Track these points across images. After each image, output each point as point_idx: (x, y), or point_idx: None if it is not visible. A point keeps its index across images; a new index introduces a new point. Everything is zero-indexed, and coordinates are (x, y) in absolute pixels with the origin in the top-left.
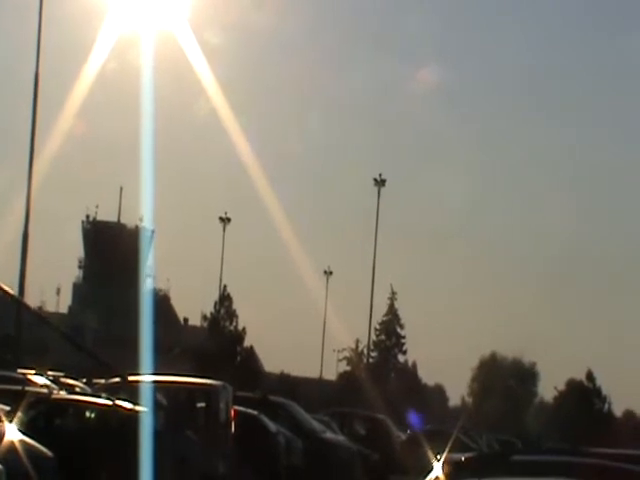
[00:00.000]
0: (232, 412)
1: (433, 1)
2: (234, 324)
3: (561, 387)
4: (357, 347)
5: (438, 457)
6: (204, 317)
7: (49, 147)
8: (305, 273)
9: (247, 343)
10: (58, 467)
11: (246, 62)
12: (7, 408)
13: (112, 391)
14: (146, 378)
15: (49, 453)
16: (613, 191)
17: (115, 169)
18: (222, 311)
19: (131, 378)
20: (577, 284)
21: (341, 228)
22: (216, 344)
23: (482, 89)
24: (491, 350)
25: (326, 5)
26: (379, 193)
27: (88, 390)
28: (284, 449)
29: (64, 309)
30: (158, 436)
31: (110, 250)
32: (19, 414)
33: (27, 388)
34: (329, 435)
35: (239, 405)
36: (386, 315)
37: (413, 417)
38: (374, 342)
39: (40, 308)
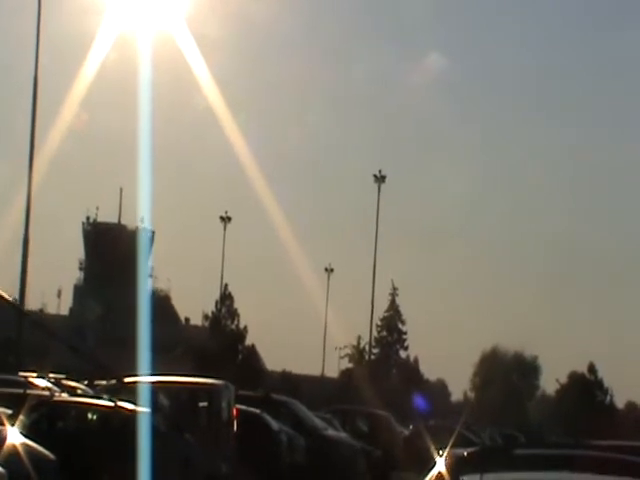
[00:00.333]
0: (234, 411)
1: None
2: (235, 323)
3: (563, 380)
4: (359, 344)
5: (441, 452)
6: (205, 316)
7: (49, 147)
8: (306, 271)
9: (249, 342)
10: (60, 469)
11: (244, 58)
12: (9, 411)
13: (113, 392)
14: (147, 379)
15: (51, 455)
16: (612, 188)
17: (115, 170)
18: (223, 310)
19: (129, 379)
20: (577, 278)
21: (341, 225)
22: (217, 343)
23: (484, 83)
24: (493, 344)
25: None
26: (379, 189)
27: (90, 392)
28: (286, 447)
29: (65, 311)
30: (160, 436)
31: (111, 251)
32: (21, 417)
33: (29, 391)
34: (331, 432)
35: (241, 404)
36: (387, 311)
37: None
38: (376, 338)
39: (41, 310)
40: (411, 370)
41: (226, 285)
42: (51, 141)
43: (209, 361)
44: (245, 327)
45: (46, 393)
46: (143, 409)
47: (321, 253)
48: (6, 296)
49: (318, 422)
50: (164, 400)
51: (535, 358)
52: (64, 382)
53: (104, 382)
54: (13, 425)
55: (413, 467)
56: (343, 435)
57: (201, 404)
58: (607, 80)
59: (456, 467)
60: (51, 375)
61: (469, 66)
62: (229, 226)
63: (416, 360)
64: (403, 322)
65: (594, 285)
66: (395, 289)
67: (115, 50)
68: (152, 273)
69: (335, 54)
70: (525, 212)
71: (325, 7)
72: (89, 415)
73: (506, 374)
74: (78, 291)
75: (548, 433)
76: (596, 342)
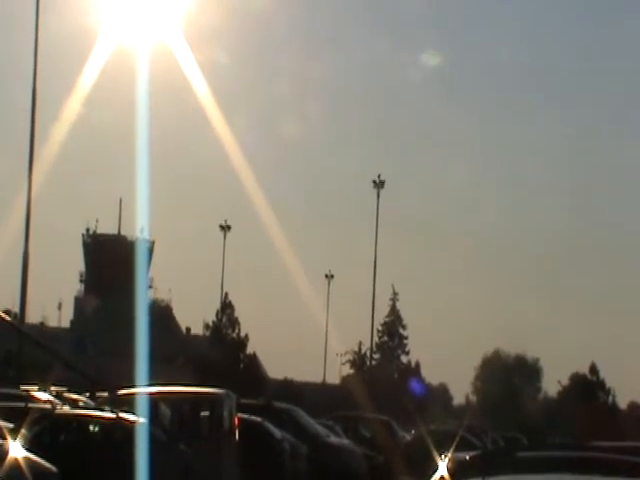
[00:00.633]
0: (236, 420)
1: None
2: (236, 331)
3: (565, 382)
4: (360, 349)
5: (443, 456)
6: (206, 326)
7: (47, 160)
8: (306, 278)
9: (250, 350)
10: None
11: (240, 63)
12: (11, 425)
13: (115, 404)
14: (149, 389)
15: (53, 469)
16: (614, 185)
17: (114, 181)
18: (224, 319)
19: (130, 390)
20: (578, 278)
21: (341, 231)
22: (219, 352)
23: (483, 80)
24: (494, 347)
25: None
26: (378, 195)
27: (91, 404)
28: (289, 455)
29: (66, 324)
30: (162, 447)
31: (110, 263)
32: (23, 430)
33: (30, 404)
34: (333, 439)
35: (243, 412)
36: (388, 316)
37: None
38: (377, 344)
39: (42, 324)
40: (413, 375)
41: (226, 294)
42: (49, 154)
43: (210, 370)
44: (246, 335)
45: (48, 406)
46: (144, 420)
47: (321, 260)
48: (6, 317)
49: (320, 429)
50: (166, 410)
51: (537, 360)
52: (66, 395)
53: (105, 394)
54: (15, 439)
55: (415, 472)
56: (345, 441)
57: (203, 413)
58: (607, 77)
59: (458, 471)
60: (53, 388)
61: (467, 63)
62: (229, 235)
63: (417, 365)
64: (404, 327)
65: (594, 286)
66: (395, 294)
67: (112, 62)
68: (152, 283)
69: (334, 54)
70: (525, 215)
71: (323, 8)
72: (91, 427)
73: (508, 377)
74: (79, 303)
75: (551, 435)
76: (598, 343)
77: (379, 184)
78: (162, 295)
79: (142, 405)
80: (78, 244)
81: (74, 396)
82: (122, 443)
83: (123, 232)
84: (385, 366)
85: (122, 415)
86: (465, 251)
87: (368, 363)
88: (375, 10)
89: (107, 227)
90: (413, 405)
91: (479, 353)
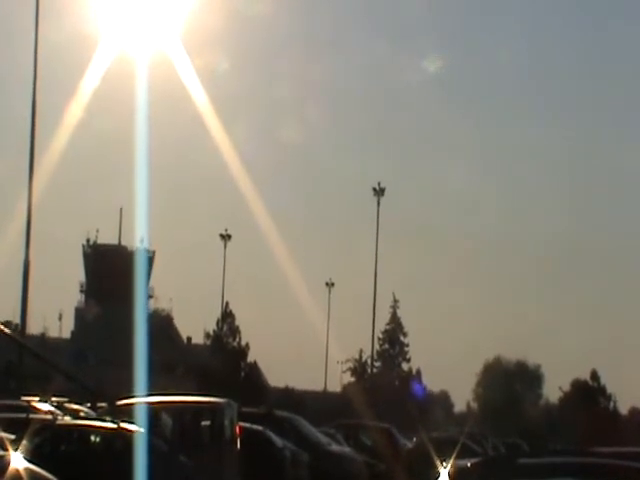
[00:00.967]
0: (237, 429)
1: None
2: (237, 340)
3: (566, 388)
4: (361, 357)
5: (444, 464)
6: (207, 335)
7: (47, 169)
8: (306, 286)
9: (251, 359)
10: None
11: (239, 68)
12: (12, 436)
13: (116, 414)
14: (150, 399)
15: (55, 479)
16: (614, 190)
17: (114, 191)
18: (225, 328)
19: (130, 400)
20: (579, 283)
21: (341, 238)
22: (220, 361)
23: (483, 86)
24: (495, 354)
25: (319, 2)
26: (379, 202)
27: (92, 414)
28: (290, 463)
29: (67, 334)
30: (163, 457)
31: (111, 273)
32: (24, 441)
33: (31, 415)
34: (335, 447)
35: (245, 421)
36: (389, 324)
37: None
38: (377, 351)
39: (43, 334)
40: (413, 381)
41: (227, 303)
42: (49, 163)
43: (211, 379)
44: (247, 344)
45: (49, 417)
46: (144, 430)
47: (321, 267)
48: (6, 330)
49: (321, 437)
50: (167, 420)
51: (538, 366)
52: (67, 405)
53: (106, 404)
54: (16, 450)
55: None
56: (346, 450)
57: (204, 423)
58: (607, 80)
59: (460, 478)
60: (53, 399)
61: (468, 67)
62: (229, 244)
63: (418, 372)
64: (405, 334)
65: (595, 291)
66: (396, 301)
67: (112, 72)
68: (152, 293)
69: (334, 57)
70: (525, 220)
71: (323, 12)
72: (92, 438)
73: (509, 383)
74: (79, 314)
75: (552, 441)
76: (599, 349)
77: (379, 191)
78: (163, 305)
79: (143, 415)
80: (78, 254)
81: (75, 406)
82: (123, 453)
83: (123, 242)
84: (386, 374)
85: (123, 425)
86: (466, 258)
87: (369, 371)
88: (375, 14)
89: (107, 237)
90: (416, 410)
91: (480, 360)
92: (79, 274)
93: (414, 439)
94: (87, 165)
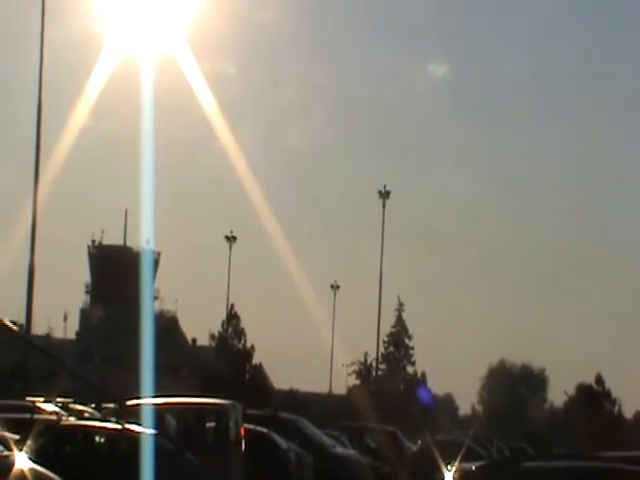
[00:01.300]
0: (242, 430)
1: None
2: (242, 342)
3: (571, 392)
4: (366, 360)
5: (449, 467)
6: (212, 337)
7: (53, 171)
8: (312, 288)
9: (256, 361)
10: None
11: (245, 72)
12: (17, 436)
13: (120, 415)
14: (155, 400)
15: None
16: (618, 195)
17: (120, 192)
18: (230, 330)
19: (135, 401)
20: (583, 288)
21: (346, 241)
22: (224, 363)
23: (488, 92)
24: (500, 357)
25: (325, 7)
26: (384, 205)
27: (97, 415)
28: (295, 465)
29: (72, 335)
30: (168, 458)
31: (116, 274)
32: (29, 442)
33: (36, 416)
34: (339, 450)
35: (249, 423)
36: (394, 327)
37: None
38: (382, 354)
39: (48, 335)
40: (419, 385)
41: (232, 305)
42: (55, 165)
43: (216, 381)
44: (252, 346)
45: (53, 417)
46: (150, 431)
47: (327, 270)
48: (13, 327)
49: (326, 440)
50: (172, 421)
51: (542, 370)
52: (71, 406)
53: (111, 405)
54: (21, 450)
55: None
56: (351, 452)
57: (209, 424)
58: (614, 87)
59: None
60: (58, 399)
61: (473, 73)
62: (234, 245)
63: (423, 375)
64: (410, 337)
65: (600, 296)
66: (401, 304)
67: (118, 73)
68: (158, 294)
69: (339, 62)
70: (530, 226)
71: (328, 18)
72: (97, 438)
73: (514, 387)
74: (85, 315)
75: (556, 445)
76: (603, 353)
77: (385, 194)
78: (168, 306)
79: (148, 416)
80: (84, 255)
81: (80, 407)
82: (128, 454)
83: (129, 243)
84: (391, 377)
85: (128, 426)
86: (471, 261)
87: (374, 374)
88: (381, 21)
89: (113, 238)
90: (421, 413)
91: (485, 363)
92: (84, 275)
93: (419, 442)
94: (93, 166)
